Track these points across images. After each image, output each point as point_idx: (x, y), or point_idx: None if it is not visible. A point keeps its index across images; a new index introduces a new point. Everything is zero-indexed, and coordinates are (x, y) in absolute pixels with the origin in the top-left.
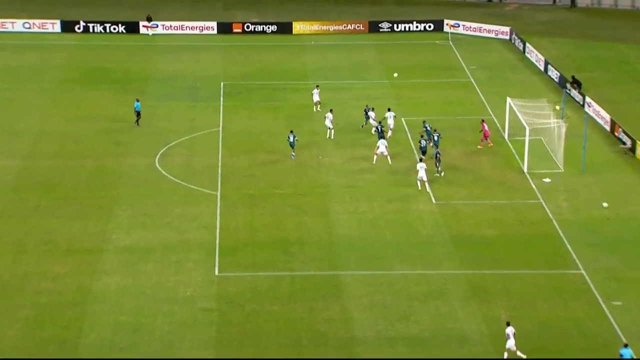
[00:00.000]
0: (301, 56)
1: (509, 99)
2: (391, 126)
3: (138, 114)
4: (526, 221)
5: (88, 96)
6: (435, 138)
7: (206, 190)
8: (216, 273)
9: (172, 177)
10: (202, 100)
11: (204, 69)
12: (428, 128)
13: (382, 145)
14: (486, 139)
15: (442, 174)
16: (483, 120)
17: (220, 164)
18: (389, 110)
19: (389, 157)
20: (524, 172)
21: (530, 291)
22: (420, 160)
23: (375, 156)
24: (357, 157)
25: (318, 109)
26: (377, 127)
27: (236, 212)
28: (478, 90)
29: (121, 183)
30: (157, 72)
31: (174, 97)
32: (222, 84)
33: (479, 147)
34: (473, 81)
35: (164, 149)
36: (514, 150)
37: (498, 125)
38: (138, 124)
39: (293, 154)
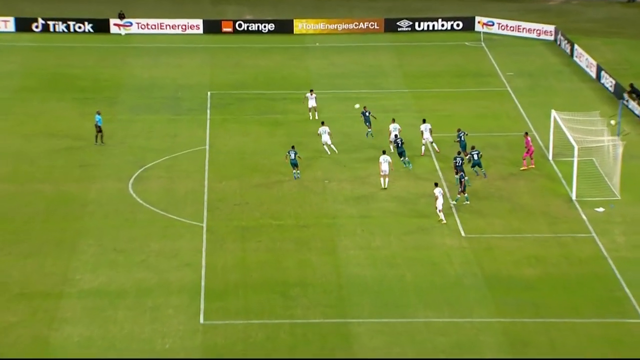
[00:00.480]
0: (304, 60)
1: (553, 112)
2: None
3: (99, 129)
4: (575, 259)
5: (48, 108)
6: (475, 157)
7: (189, 221)
8: (201, 321)
9: (148, 205)
10: (185, 113)
11: (188, 75)
12: (462, 137)
13: (384, 163)
14: (530, 157)
15: (467, 201)
16: (526, 134)
17: (206, 189)
18: (393, 121)
19: (385, 181)
20: (572, 199)
21: (580, 343)
22: (436, 185)
23: (382, 179)
24: (370, 181)
25: (316, 117)
26: (395, 141)
27: (225, 247)
28: (516, 101)
29: (87, 213)
30: (131, 80)
31: (151, 109)
32: (209, 93)
33: (522, 168)
34: (510, 90)
35: (139, 171)
36: (559, 174)
37: (540, 143)
38: (101, 142)
39: (297, 173)
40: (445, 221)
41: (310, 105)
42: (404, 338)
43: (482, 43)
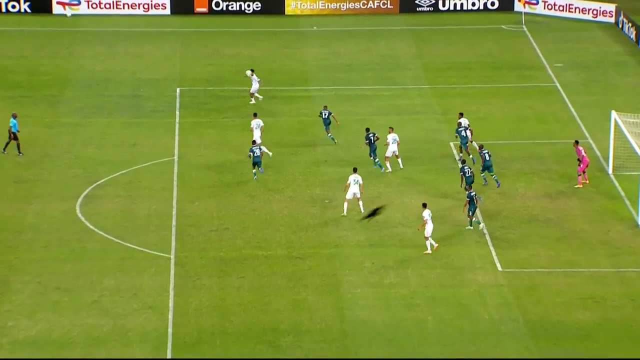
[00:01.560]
0: (298, 49)
1: (614, 114)
2: (396, 153)
3: (14, 136)
4: None
5: None
6: (487, 157)
7: (153, 252)
8: None
9: (101, 232)
10: (147, 116)
11: (151, 67)
12: (464, 131)
13: (353, 184)
14: (584, 172)
15: (482, 225)
16: (577, 142)
17: (175, 211)
18: (391, 130)
19: (360, 203)
20: (637, 225)
21: None
22: (425, 206)
23: (346, 203)
24: (382, 201)
25: (252, 101)
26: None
27: (199, 285)
28: (566, 100)
29: (23, 241)
30: (79, 73)
31: (104, 111)
32: (178, 90)
33: (577, 185)
34: (559, 86)
35: (90, 188)
36: (622, 192)
37: (597, 153)
38: (17, 151)
39: (258, 171)
40: (430, 252)
41: (254, 88)
42: None
43: (524, 26)
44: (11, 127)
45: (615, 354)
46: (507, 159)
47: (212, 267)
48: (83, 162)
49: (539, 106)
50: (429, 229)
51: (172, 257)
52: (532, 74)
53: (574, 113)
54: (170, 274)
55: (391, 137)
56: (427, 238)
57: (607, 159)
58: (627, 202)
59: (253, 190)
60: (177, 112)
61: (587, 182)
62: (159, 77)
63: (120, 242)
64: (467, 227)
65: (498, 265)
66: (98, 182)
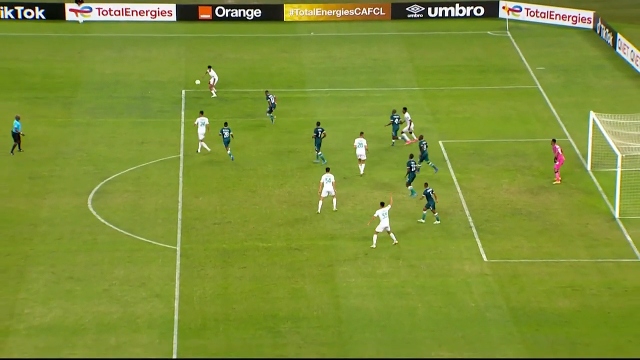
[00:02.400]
0: (296, 53)
1: (592, 114)
2: (361, 157)
3: (17, 137)
4: (618, 288)
5: None
6: (424, 148)
7: (160, 244)
8: None
9: (111, 225)
10: (154, 116)
11: (158, 71)
12: (397, 120)
13: (326, 182)
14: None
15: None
16: (554, 141)
17: (180, 206)
18: (360, 135)
19: (334, 201)
20: (614, 218)
21: None
22: (383, 204)
23: (321, 201)
24: (375, 195)
25: (214, 94)
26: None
27: (203, 274)
28: (548, 102)
29: (38, 234)
30: (90, 76)
31: (114, 111)
32: (183, 92)
33: (555, 182)
34: (540, 88)
35: (100, 184)
36: (599, 187)
37: (577, 150)
38: (18, 150)
39: (230, 153)
40: (375, 246)
41: (212, 81)
42: None
43: (508, 32)
44: (15, 128)
45: (593, 339)
46: (491, 157)
47: (215, 258)
48: (94, 159)
49: (522, 107)
50: (382, 224)
51: (178, 248)
52: (515, 77)
53: (555, 113)
54: (176, 265)
55: (357, 141)
56: (376, 232)
57: (585, 157)
58: (605, 197)
59: (254, 186)
60: (183, 113)
61: (559, 181)
62: (165, 79)
63: (129, 234)
64: (418, 220)
65: (483, 256)
66: (108, 178)
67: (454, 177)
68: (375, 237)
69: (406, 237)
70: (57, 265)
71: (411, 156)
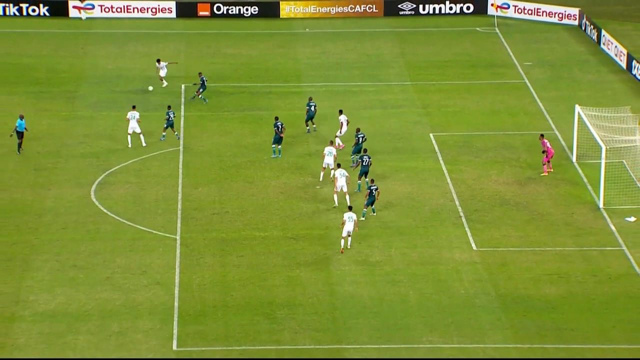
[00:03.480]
0: (292, 49)
1: (577, 108)
2: (329, 165)
3: (21, 135)
4: (603, 276)
5: None
6: (359, 141)
7: (161, 233)
8: (174, 347)
9: (113, 215)
10: (155, 109)
11: None
12: (313, 107)
13: (340, 177)
14: (548, 162)
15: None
16: (542, 136)
17: (180, 196)
18: (330, 144)
19: (347, 197)
20: (599, 208)
21: None
22: (350, 208)
23: (335, 196)
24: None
25: (164, 84)
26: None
27: (202, 263)
28: (535, 96)
29: (42, 224)
30: (93, 71)
31: (116, 105)
32: (183, 86)
33: (543, 173)
34: (528, 83)
35: (103, 175)
36: (584, 178)
37: (563, 143)
38: (19, 149)
39: (172, 132)
40: (343, 249)
41: (161, 74)
42: None
43: (496, 29)
44: (17, 127)
45: (578, 324)
46: (481, 149)
47: (214, 247)
48: (97, 151)
49: (510, 101)
50: (346, 228)
51: (178, 237)
52: (503, 72)
53: (542, 107)
54: (176, 253)
55: (327, 149)
56: (343, 237)
57: (571, 149)
58: (590, 188)
59: (251, 177)
60: (182, 107)
61: (552, 170)
62: (166, 75)
63: (131, 224)
64: (361, 218)
65: (473, 244)
66: (110, 170)
67: (444, 169)
68: (342, 241)
69: (398, 227)
70: (61, 253)
71: (365, 150)
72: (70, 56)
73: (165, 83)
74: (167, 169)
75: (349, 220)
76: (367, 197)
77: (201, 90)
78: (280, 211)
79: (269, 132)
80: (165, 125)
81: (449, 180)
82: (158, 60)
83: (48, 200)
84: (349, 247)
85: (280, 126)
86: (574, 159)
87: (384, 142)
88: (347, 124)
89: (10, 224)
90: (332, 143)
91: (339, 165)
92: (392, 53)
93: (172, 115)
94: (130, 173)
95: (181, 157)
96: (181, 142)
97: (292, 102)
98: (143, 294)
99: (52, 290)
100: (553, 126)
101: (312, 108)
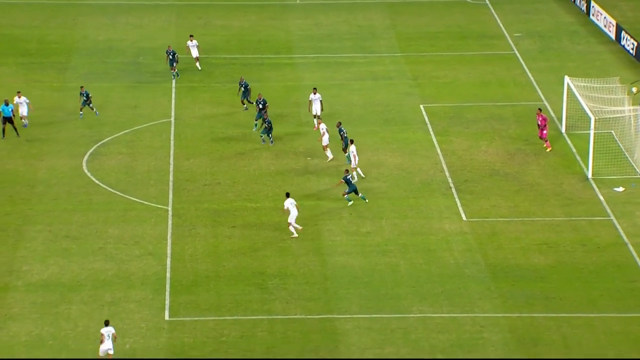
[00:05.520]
0: (283, 20)
1: (567, 79)
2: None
3: (9, 121)
4: (591, 245)
5: None
6: (261, 106)
7: (153, 204)
8: (166, 317)
9: (105, 186)
10: (147, 81)
11: (150, 37)
12: (244, 87)
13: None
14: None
15: (351, 202)
16: (540, 110)
17: (172, 167)
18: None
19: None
20: (587, 178)
21: (597, 341)
22: (288, 195)
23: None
24: (360, 157)
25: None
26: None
27: (194, 233)
28: (524, 67)
29: (35, 194)
30: (84, 42)
31: (108, 77)
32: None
33: (548, 149)
34: (518, 54)
35: (95, 147)
36: (573, 149)
37: (552, 114)
38: (16, 134)
39: (89, 108)
40: (296, 235)
41: (194, 56)
42: (397, 336)
43: (486, 0)
44: (4, 113)
45: (567, 293)
46: (471, 120)
47: (206, 218)
48: (88, 122)
49: (500, 72)
50: (292, 215)
51: (170, 208)
52: (494, 43)
53: (531, 78)
54: (168, 224)
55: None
56: (289, 224)
57: (560, 120)
58: (578, 158)
59: (242, 148)
60: (174, 79)
61: (549, 148)
62: (157, 45)
63: (123, 195)
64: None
65: (463, 215)
66: (102, 141)
67: (434, 140)
68: (291, 228)
69: (389, 198)
70: (54, 224)
71: (339, 123)
72: (61, 27)
73: (199, 67)
74: (158, 141)
75: (292, 206)
76: (345, 184)
77: (175, 64)
78: (272, 182)
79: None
80: (87, 105)
81: (439, 151)
82: (191, 37)
83: (40, 172)
84: (299, 229)
85: (261, 102)
86: (563, 130)
87: (374, 113)
88: (321, 105)
89: (3, 195)
90: (319, 119)
91: (353, 143)
92: (383, 24)
93: (85, 96)
94: (121, 144)
95: (172, 128)
96: (172, 113)
97: (283, 74)
98: (135, 264)
99: (45, 261)
100: (542, 97)
101: (246, 87)
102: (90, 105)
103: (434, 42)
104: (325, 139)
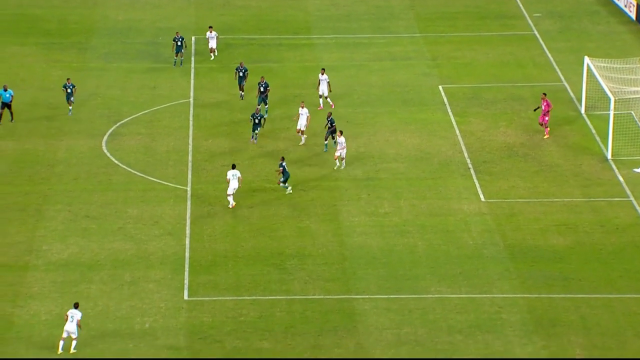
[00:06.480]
0: (302, 0)
1: (587, 59)
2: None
3: (7, 106)
4: (610, 226)
5: (8, 54)
6: (262, 89)
7: (172, 184)
8: (185, 297)
9: (125, 166)
10: (165, 61)
11: (169, 17)
12: (70, 88)
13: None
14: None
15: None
16: (545, 95)
17: (191, 148)
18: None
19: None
20: (607, 159)
21: (616, 322)
22: (234, 167)
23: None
24: (377, 138)
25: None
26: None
27: (213, 214)
28: (544, 47)
29: (55, 174)
30: (104, 22)
31: (127, 57)
32: (193, 38)
33: (545, 136)
34: (537, 34)
35: (114, 127)
36: (593, 130)
37: (572, 94)
38: (10, 120)
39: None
40: (233, 205)
41: (210, 46)
42: (415, 316)
43: None
44: (3, 99)
45: (586, 274)
46: (490, 100)
47: (224, 198)
48: (108, 102)
49: (519, 52)
50: (231, 187)
51: (189, 189)
52: (513, 23)
53: (551, 58)
54: (187, 204)
55: (303, 111)
56: (229, 195)
57: (580, 100)
58: (598, 139)
59: (261, 129)
60: (193, 58)
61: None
62: (176, 26)
63: (142, 175)
64: (288, 192)
65: (481, 195)
66: (122, 121)
67: (453, 121)
68: (229, 197)
69: (407, 178)
70: (74, 204)
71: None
72: (81, 7)
73: (212, 56)
74: (177, 121)
75: (233, 178)
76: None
77: (182, 52)
78: (291, 162)
79: (279, 84)
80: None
81: (457, 132)
82: (210, 28)
83: (60, 151)
84: (233, 204)
85: (262, 86)
86: (583, 110)
87: (393, 94)
88: (329, 87)
89: (23, 175)
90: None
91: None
92: (402, 5)
93: (70, 89)
94: (141, 124)
95: (191, 109)
96: (191, 93)
97: (302, 54)
98: (154, 244)
99: (65, 240)
100: (562, 78)
101: (244, 73)
102: (72, 99)
103: (452, 22)
104: (302, 123)
